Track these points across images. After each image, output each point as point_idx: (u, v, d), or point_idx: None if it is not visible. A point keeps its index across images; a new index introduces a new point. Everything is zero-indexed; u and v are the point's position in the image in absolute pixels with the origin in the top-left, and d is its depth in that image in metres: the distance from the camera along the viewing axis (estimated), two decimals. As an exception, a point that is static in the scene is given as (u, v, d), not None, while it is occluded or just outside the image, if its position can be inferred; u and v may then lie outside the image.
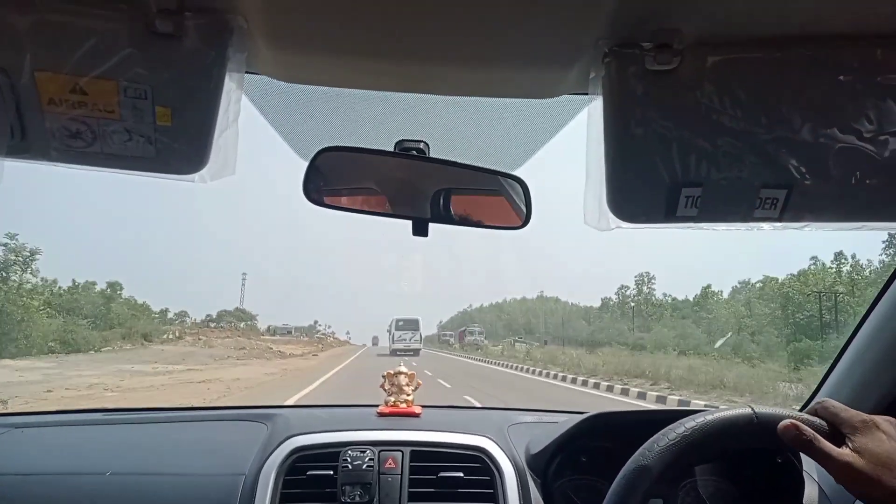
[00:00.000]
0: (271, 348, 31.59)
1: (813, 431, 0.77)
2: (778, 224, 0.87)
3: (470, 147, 1.34)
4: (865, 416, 0.78)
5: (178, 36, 0.76)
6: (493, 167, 1.12)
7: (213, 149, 0.82)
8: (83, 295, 31.84)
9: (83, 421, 1.78)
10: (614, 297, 50.82)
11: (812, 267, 28.65)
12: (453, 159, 1.07)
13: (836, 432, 0.79)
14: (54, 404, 10.20)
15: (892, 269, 1.32)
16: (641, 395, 13.62)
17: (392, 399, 1.66)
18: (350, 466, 1.32)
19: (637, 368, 19.15)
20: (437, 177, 1.11)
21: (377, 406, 1.66)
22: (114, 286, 34.68)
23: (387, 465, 1.34)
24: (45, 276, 29.85)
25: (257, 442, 1.45)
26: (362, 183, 1.15)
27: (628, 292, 49.55)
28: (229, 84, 0.80)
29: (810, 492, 1.30)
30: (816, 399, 1.50)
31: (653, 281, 49.15)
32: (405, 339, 35.31)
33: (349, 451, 1.35)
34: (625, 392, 14.42)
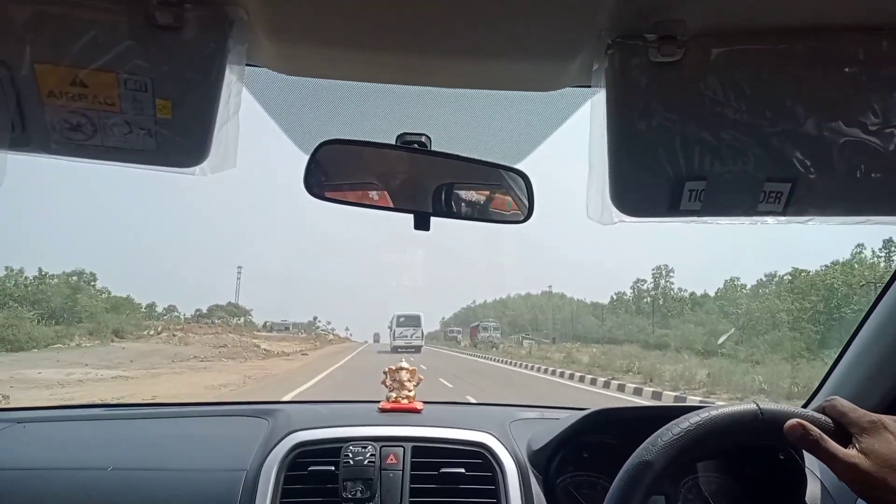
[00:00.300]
0: (258, 346, 28.90)
1: (819, 431, 0.76)
2: (782, 218, 0.86)
3: (472, 140, 1.34)
4: (874, 416, 0.77)
5: (178, 28, 0.75)
6: (495, 160, 1.11)
7: (214, 142, 0.81)
8: (50, 287, 29.47)
9: (85, 416, 1.79)
10: (629, 291, 48.93)
11: (857, 255, 26.13)
12: (455, 153, 1.06)
13: (843, 431, 0.78)
14: None
15: None
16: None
17: (393, 395, 1.66)
18: (351, 462, 1.32)
19: (686, 372, 16.55)
20: (438, 170, 1.10)
21: (379, 402, 1.66)
22: (81, 276, 32.25)
23: (388, 461, 1.34)
24: (12, 266, 28.55)
25: (259, 437, 1.45)
26: (363, 176, 1.14)
27: (645, 286, 47.42)
28: (230, 76, 0.79)
29: (812, 489, 1.30)
30: (821, 395, 1.51)
31: (671, 274, 46.93)
32: (406, 336, 34.76)
33: (350, 447, 1.35)
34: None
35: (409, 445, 1.38)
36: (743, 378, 15.13)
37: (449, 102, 1.15)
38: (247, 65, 0.84)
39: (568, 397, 13.07)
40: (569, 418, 1.38)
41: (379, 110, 1.19)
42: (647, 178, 0.85)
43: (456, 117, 1.22)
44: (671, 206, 0.85)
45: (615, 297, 50.10)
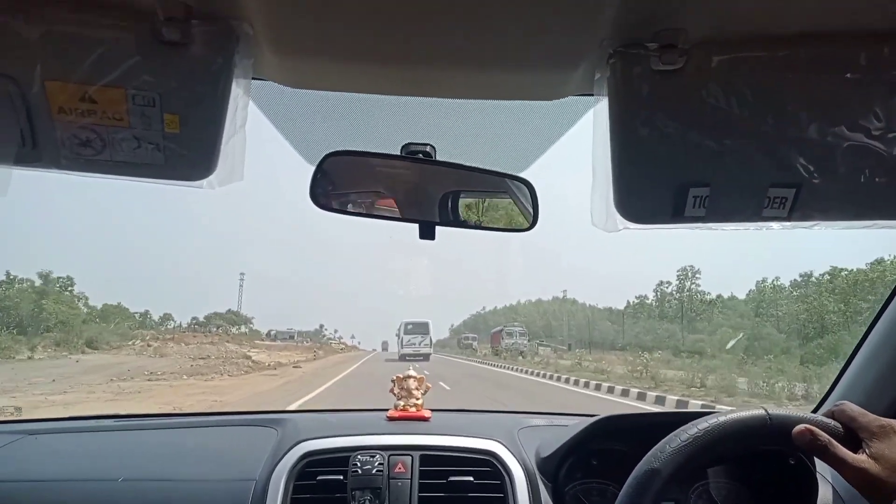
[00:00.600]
0: (248, 357, 25.96)
1: (828, 436, 0.76)
2: (787, 223, 0.86)
3: (476, 150, 1.34)
4: (884, 420, 0.76)
5: (185, 44, 0.77)
6: (499, 169, 1.12)
7: (221, 155, 0.82)
8: (18, 292, 26.91)
9: (95, 427, 1.79)
10: (651, 294, 46.58)
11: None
12: (460, 162, 1.07)
13: (853, 436, 0.77)
14: None
15: None
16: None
17: (401, 403, 1.66)
18: (360, 471, 1.31)
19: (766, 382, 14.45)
20: (443, 180, 1.11)
21: (387, 410, 1.66)
22: (48, 278, 29.24)
23: (397, 470, 1.34)
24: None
25: (267, 447, 1.45)
26: (369, 187, 1.15)
27: (669, 289, 44.64)
28: (236, 90, 0.81)
29: (824, 494, 1.29)
30: (831, 400, 1.50)
31: (697, 276, 44.04)
32: (415, 344, 34.05)
33: (359, 456, 1.35)
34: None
35: (417, 454, 1.38)
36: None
37: (453, 112, 1.16)
38: (253, 78, 0.84)
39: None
40: (577, 425, 1.38)
41: (384, 121, 1.20)
42: (651, 186, 0.85)
43: (460, 127, 1.23)
44: (675, 212, 0.86)
45: (636, 300, 47.78)
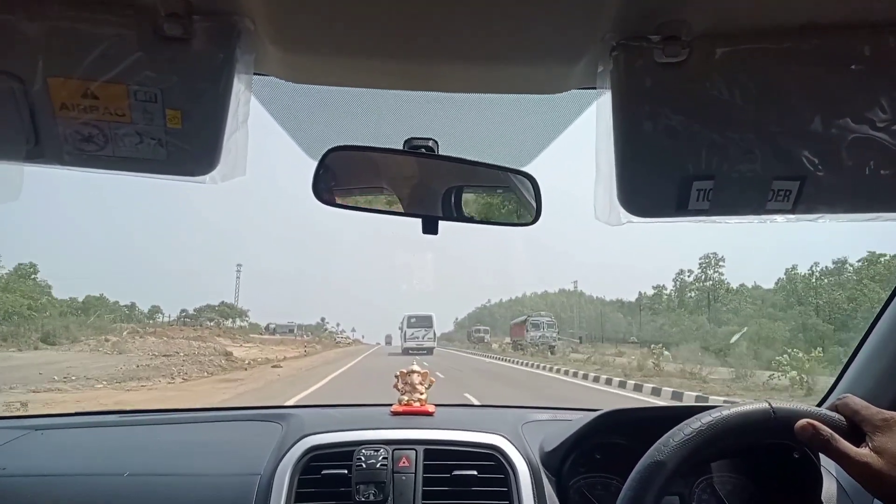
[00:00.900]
0: (228, 354, 22.66)
1: (830, 431, 0.76)
2: (791, 216, 0.86)
3: (479, 144, 1.34)
4: (887, 413, 0.76)
5: (186, 39, 0.77)
6: (502, 163, 1.12)
7: (224, 150, 0.82)
8: None
9: (101, 423, 1.81)
10: (670, 285, 44.20)
11: None
12: (462, 156, 1.07)
13: (856, 430, 0.77)
14: None
15: None
16: None
17: (405, 398, 1.66)
18: (364, 465, 1.32)
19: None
20: (446, 174, 1.11)
21: (391, 405, 1.67)
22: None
23: (401, 464, 1.34)
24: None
25: (272, 442, 1.46)
26: (372, 182, 1.15)
27: (690, 278, 42.07)
28: (238, 86, 0.80)
29: (828, 487, 1.29)
30: (835, 394, 1.49)
31: (721, 264, 41.17)
32: (418, 337, 33.90)
33: (363, 451, 1.35)
34: None
35: (421, 448, 1.38)
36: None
37: (455, 107, 1.15)
38: (255, 74, 0.84)
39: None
40: (581, 419, 1.38)
41: (386, 116, 1.20)
42: (655, 179, 0.85)
43: (463, 121, 1.22)
44: (679, 205, 0.85)
45: (654, 290, 45.48)
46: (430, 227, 1.08)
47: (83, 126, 0.80)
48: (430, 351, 32.07)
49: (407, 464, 1.35)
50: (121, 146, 0.81)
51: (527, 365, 23.41)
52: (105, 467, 1.47)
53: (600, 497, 1.34)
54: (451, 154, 1.06)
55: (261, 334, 45.82)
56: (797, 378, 13.47)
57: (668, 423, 0.84)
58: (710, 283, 41.12)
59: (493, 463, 1.37)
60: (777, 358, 15.55)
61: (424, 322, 34.89)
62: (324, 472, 1.33)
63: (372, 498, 1.29)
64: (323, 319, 69.03)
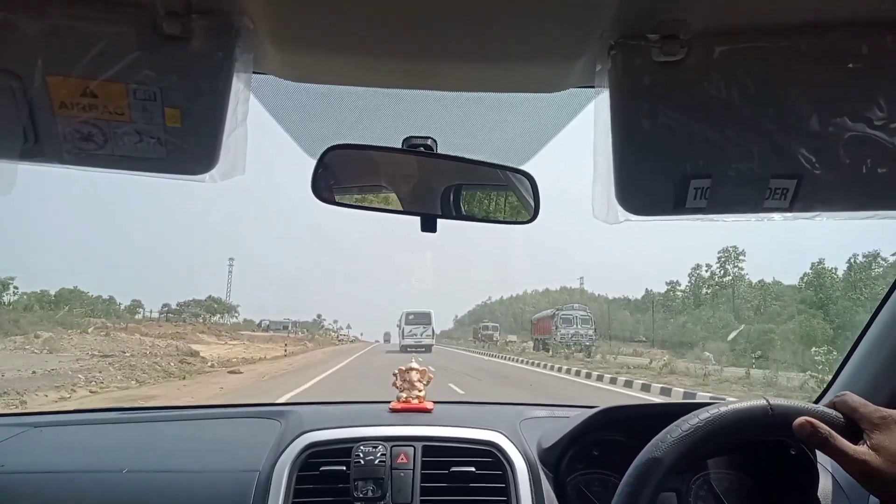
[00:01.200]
0: (195, 354, 19.69)
1: (828, 428, 0.76)
2: (788, 214, 0.86)
3: (477, 142, 1.34)
4: (885, 411, 0.77)
5: (185, 38, 0.77)
6: (500, 162, 1.12)
7: (223, 149, 0.83)
8: None
9: (100, 420, 1.81)
10: (686, 280, 41.66)
11: None
12: (461, 155, 1.07)
13: (854, 427, 0.77)
14: None
15: None
16: None
17: (404, 395, 1.66)
18: (362, 462, 1.32)
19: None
20: (445, 173, 1.11)
21: (389, 402, 1.67)
22: None
23: (399, 461, 1.35)
24: None
25: (271, 438, 1.46)
26: (371, 180, 1.15)
27: (707, 273, 39.24)
28: (237, 84, 0.81)
29: (825, 484, 1.29)
30: (832, 390, 1.50)
31: (741, 258, 38.61)
32: (416, 335, 33.34)
33: (361, 447, 1.35)
34: None
35: (419, 445, 1.38)
36: None
37: (454, 105, 1.16)
38: (254, 72, 0.85)
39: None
40: (578, 416, 1.38)
41: (385, 114, 1.20)
42: (652, 177, 0.85)
43: (461, 120, 1.22)
44: (676, 204, 0.86)
45: (668, 286, 42.78)
46: (428, 226, 1.08)
47: (82, 124, 0.80)
48: (428, 349, 31.59)
49: (405, 460, 1.35)
50: (120, 145, 0.81)
51: (560, 370, 18.65)
52: (103, 464, 1.47)
53: (598, 493, 1.35)
54: (450, 152, 1.06)
55: (253, 331, 43.90)
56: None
57: (665, 419, 0.84)
58: (730, 278, 38.73)
59: (491, 459, 1.38)
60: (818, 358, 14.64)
61: (423, 319, 34.38)
62: (322, 468, 1.34)
63: (370, 494, 1.29)
64: (319, 316, 67.99)
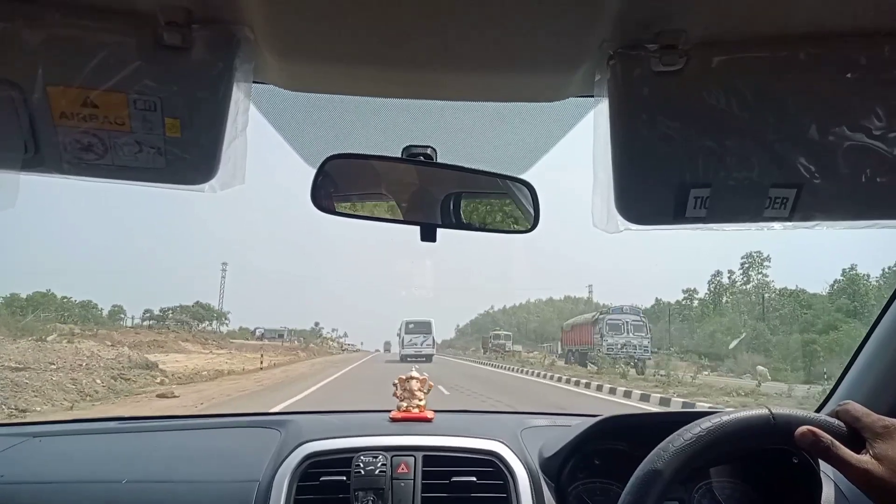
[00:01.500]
0: (152, 367, 17.01)
1: (831, 438, 0.76)
2: (788, 223, 0.86)
3: (477, 152, 1.35)
4: (888, 420, 0.76)
5: (185, 48, 0.77)
6: (500, 171, 1.12)
7: (223, 159, 0.83)
8: None
9: (99, 430, 1.80)
10: (705, 288, 38.85)
11: None
12: (461, 164, 1.07)
13: (856, 437, 0.77)
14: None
15: None
16: None
17: (404, 404, 1.66)
18: (363, 472, 1.32)
19: None
20: (444, 182, 1.11)
21: (389, 411, 1.66)
22: None
23: (399, 471, 1.34)
24: None
25: (270, 448, 1.45)
26: (370, 189, 1.15)
27: (728, 279, 36.64)
28: (237, 94, 0.81)
29: (827, 493, 1.28)
30: (834, 399, 1.49)
31: (766, 263, 36.61)
32: (416, 344, 32.51)
33: (362, 457, 1.35)
34: None
35: (420, 454, 1.38)
36: None
37: (454, 115, 1.16)
38: (254, 82, 0.85)
39: None
40: (580, 425, 1.37)
41: (385, 124, 1.20)
42: (652, 186, 0.85)
43: (461, 129, 1.23)
44: (676, 213, 0.86)
45: (685, 294, 39.77)
46: (428, 235, 1.08)
47: (83, 135, 0.80)
48: (428, 358, 30.91)
49: (406, 470, 1.34)
50: (120, 155, 0.81)
51: (627, 395, 14.17)
52: (103, 474, 1.46)
53: (599, 503, 1.34)
54: (450, 162, 1.06)
55: (247, 339, 41.60)
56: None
57: (667, 428, 0.84)
58: (753, 285, 36.22)
59: (492, 469, 1.37)
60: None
61: (423, 328, 33.64)
62: (322, 478, 1.33)
63: None
64: (317, 324, 66.44)
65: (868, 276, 30.37)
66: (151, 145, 0.81)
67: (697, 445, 0.79)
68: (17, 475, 1.44)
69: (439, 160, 1.06)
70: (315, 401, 13.01)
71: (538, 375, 20.98)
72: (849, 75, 0.79)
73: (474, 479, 1.34)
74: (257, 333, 48.64)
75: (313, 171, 1.05)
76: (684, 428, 0.81)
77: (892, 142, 0.80)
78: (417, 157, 1.05)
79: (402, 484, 1.32)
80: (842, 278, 31.45)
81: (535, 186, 1.09)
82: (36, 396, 11.92)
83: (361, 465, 1.33)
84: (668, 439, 0.81)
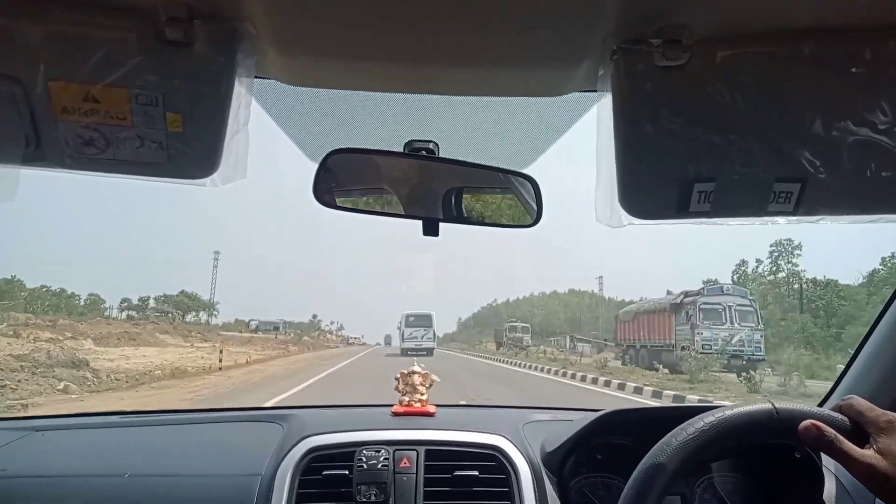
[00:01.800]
0: (82, 365, 14.25)
1: (834, 432, 0.76)
2: (793, 218, 0.86)
3: (479, 146, 1.34)
4: (892, 415, 0.76)
5: (187, 43, 0.77)
6: (502, 166, 1.12)
7: (224, 153, 0.82)
8: None
9: (102, 423, 1.81)
10: (727, 279, 35.28)
11: None
12: (463, 159, 1.07)
13: (860, 431, 0.77)
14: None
15: None
16: None
17: (406, 398, 1.66)
18: (365, 466, 1.32)
19: None
20: (447, 177, 1.11)
21: (392, 405, 1.67)
22: None
23: (402, 465, 1.34)
24: None
25: (273, 442, 1.46)
26: (373, 184, 1.15)
27: (756, 270, 33.71)
28: (239, 89, 0.80)
29: (830, 487, 1.29)
30: (837, 393, 1.49)
31: (797, 252, 33.90)
32: (417, 337, 32.11)
33: (364, 451, 1.35)
34: None
35: (422, 449, 1.38)
36: None
37: (456, 109, 1.16)
38: (256, 77, 0.84)
39: None
40: (582, 420, 1.38)
41: (387, 118, 1.20)
42: (656, 181, 0.85)
43: (463, 124, 1.22)
44: (680, 208, 0.85)
45: (704, 285, 38.26)
46: (430, 229, 1.08)
47: (84, 129, 0.80)
48: (429, 352, 30.57)
49: (408, 464, 1.35)
50: (122, 149, 0.81)
51: None
52: (106, 468, 1.47)
53: (602, 497, 1.34)
54: (452, 156, 1.06)
55: (240, 331, 39.22)
56: None
57: (670, 423, 0.84)
58: (783, 274, 32.75)
59: (494, 463, 1.37)
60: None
61: (424, 321, 33.16)
62: (325, 472, 1.33)
63: (373, 499, 1.29)
64: (315, 317, 64.35)
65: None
66: (153, 140, 0.81)
67: (701, 440, 0.79)
68: (20, 469, 1.44)
69: (441, 155, 1.05)
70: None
71: (592, 382, 15.12)
72: (853, 70, 0.78)
73: (476, 473, 1.34)
74: (252, 325, 46.84)
75: (315, 166, 1.05)
76: (687, 422, 0.81)
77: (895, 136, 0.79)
78: (419, 152, 1.04)
79: (405, 478, 1.33)
80: (882, 268, 28.85)
81: (538, 181, 1.09)
82: None
83: (364, 460, 1.33)
84: (671, 434, 0.81)
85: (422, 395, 1.67)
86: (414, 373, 1.70)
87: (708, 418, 0.80)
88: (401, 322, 33.68)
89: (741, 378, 13.78)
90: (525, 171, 1.11)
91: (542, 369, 19.99)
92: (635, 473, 0.80)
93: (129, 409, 2.03)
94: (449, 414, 1.69)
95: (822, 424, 0.76)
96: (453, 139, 1.17)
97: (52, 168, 0.84)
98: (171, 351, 20.79)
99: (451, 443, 1.41)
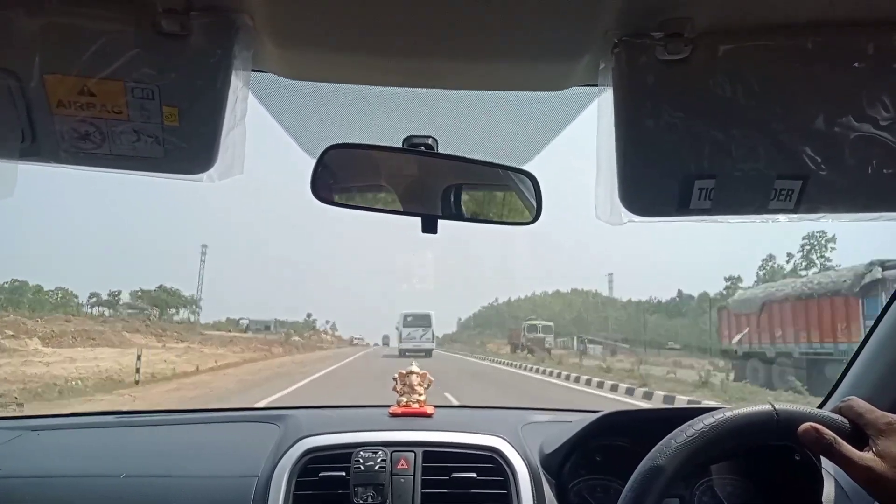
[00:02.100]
0: None
1: (833, 434, 0.75)
2: (794, 215, 0.85)
3: (479, 142, 1.33)
4: (892, 417, 0.76)
5: (184, 35, 0.76)
6: (502, 161, 1.11)
7: (221, 148, 0.82)
8: None
9: (98, 423, 1.80)
10: (750, 277, 34.27)
11: None
12: (462, 154, 1.06)
13: (859, 433, 0.76)
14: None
15: None
16: None
17: (404, 399, 1.65)
18: (362, 467, 1.31)
19: None
20: (445, 173, 1.10)
21: (389, 406, 1.66)
22: None
23: (399, 466, 1.33)
24: None
25: (269, 443, 1.45)
26: (370, 180, 1.14)
27: (785, 264, 32.05)
28: (236, 82, 0.80)
29: (829, 490, 1.28)
30: (837, 395, 1.49)
31: (831, 245, 32.28)
32: (415, 338, 31.30)
33: (361, 452, 1.34)
34: None
35: (420, 450, 1.37)
36: None
37: (455, 104, 1.15)
38: (253, 70, 0.84)
39: None
40: (581, 421, 1.37)
41: (385, 113, 1.19)
42: (656, 178, 0.84)
43: (462, 119, 1.21)
44: (681, 205, 0.85)
45: (727, 281, 35.06)
46: (429, 226, 1.07)
47: (80, 123, 0.79)
48: (428, 353, 29.82)
49: (406, 466, 1.34)
50: (118, 144, 0.80)
51: None
52: (102, 469, 1.46)
53: (600, 500, 1.34)
54: (451, 152, 1.05)
55: (229, 330, 36.46)
56: None
57: (668, 424, 0.83)
58: (816, 270, 29.86)
59: (492, 465, 1.36)
60: None
61: (422, 321, 32.26)
62: (321, 474, 1.32)
63: (370, 500, 1.28)
64: (309, 316, 62.46)
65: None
66: (149, 134, 0.80)
67: (700, 442, 0.78)
68: (15, 469, 1.43)
69: (440, 150, 1.05)
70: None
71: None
72: (856, 65, 0.78)
73: (474, 475, 1.34)
74: (242, 324, 44.44)
75: (312, 161, 1.04)
76: (687, 424, 0.80)
77: None
78: (418, 148, 1.03)
79: (402, 480, 1.32)
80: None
81: (538, 177, 1.08)
82: None
83: (361, 461, 1.32)
84: (670, 435, 0.81)
85: (420, 395, 1.66)
86: (412, 373, 1.69)
87: (707, 420, 0.79)
88: (399, 322, 32.99)
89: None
90: (525, 167, 1.10)
91: (589, 382, 15.29)
92: (634, 475, 0.80)
93: (125, 410, 2.01)
94: (447, 415, 1.68)
95: (821, 427, 0.75)
96: (452, 135, 1.16)
97: (48, 163, 0.83)
98: (129, 355, 16.94)
99: (449, 444, 1.40)
